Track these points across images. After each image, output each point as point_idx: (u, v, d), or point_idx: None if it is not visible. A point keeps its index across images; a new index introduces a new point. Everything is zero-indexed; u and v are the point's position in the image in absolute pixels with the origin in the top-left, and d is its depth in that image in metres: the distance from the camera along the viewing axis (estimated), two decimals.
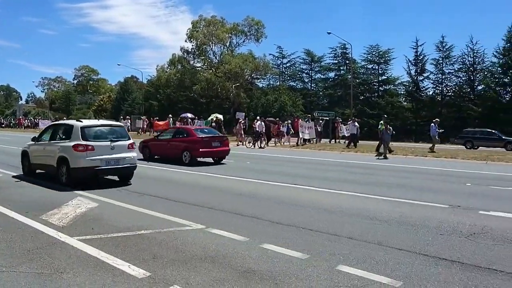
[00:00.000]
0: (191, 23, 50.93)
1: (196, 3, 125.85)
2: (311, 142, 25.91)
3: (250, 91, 53.60)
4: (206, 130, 18.07)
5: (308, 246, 5.16)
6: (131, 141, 10.40)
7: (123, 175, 10.32)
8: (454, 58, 43.54)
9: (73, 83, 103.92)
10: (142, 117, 42.87)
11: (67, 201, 7.82)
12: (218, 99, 52.61)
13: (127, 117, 43.92)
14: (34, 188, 9.71)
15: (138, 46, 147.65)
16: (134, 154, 10.36)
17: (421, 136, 40.44)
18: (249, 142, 25.15)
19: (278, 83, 55.57)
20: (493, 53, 41.36)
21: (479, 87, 42.71)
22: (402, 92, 48.60)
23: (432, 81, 45.70)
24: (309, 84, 55.62)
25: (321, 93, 53.96)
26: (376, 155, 18.57)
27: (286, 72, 57.02)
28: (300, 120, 25.93)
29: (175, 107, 56.11)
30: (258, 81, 57.43)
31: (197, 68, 53.57)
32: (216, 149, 15.41)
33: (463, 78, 43.74)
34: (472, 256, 4.88)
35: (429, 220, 6.54)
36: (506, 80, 39.96)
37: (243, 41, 52.00)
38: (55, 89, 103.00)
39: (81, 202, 7.79)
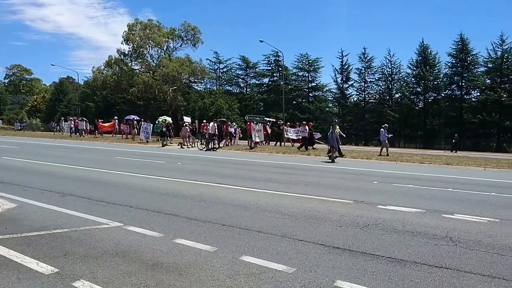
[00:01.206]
0: (127, 26, 50.20)
1: (135, 6, 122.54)
2: (261, 144, 26.67)
3: (187, 94, 53.73)
4: None
5: (218, 240, 5.53)
6: None
7: None
8: (375, 69, 47.66)
9: (4, 82, 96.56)
10: (84, 119, 40.82)
11: None
12: (156, 102, 52.19)
13: (71, 118, 41.12)
14: None
15: (75, 47, 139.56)
16: None
17: (347, 139, 43.24)
18: (201, 144, 24.94)
19: (215, 87, 56.15)
20: (407, 65, 45.99)
21: (396, 95, 47.15)
22: (330, 98, 51.68)
23: (356, 89, 49.42)
24: (245, 89, 56.81)
25: (256, 97, 55.28)
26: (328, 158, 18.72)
27: (222, 77, 57.86)
28: (252, 123, 26.28)
29: (112, 109, 55.08)
30: (196, 84, 57.77)
31: (135, 71, 52.57)
32: None
33: (383, 87, 47.88)
34: (361, 244, 5.56)
35: (333, 214, 7.26)
36: (418, 89, 44.33)
37: (180, 46, 52.36)
38: None
39: None
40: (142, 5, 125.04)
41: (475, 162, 18.28)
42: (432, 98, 44.36)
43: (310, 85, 51.48)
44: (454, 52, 43.44)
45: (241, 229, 6.16)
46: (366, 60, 47.46)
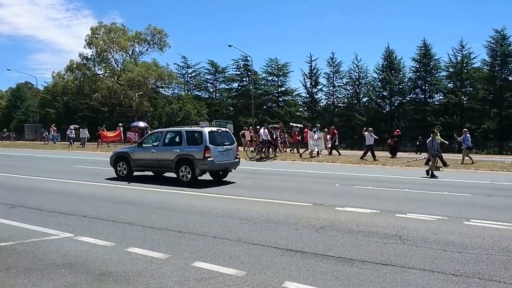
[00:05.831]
0: (90, 29, 48.80)
1: (100, 8, 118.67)
2: (320, 154, 22.96)
3: (154, 99, 52.91)
4: None
5: (172, 247, 5.51)
6: None
7: None
8: (343, 73, 48.59)
9: None
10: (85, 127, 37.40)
11: None
12: (121, 108, 51.06)
13: (71, 126, 37.01)
14: None
15: (34, 50, 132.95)
16: None
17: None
18: (251, 152, 22.24)
19: (183, 92, 55.63)
20: (374, 70, 47.16)
21: (364, 99, 48.18)
22: (300, 103, 52.29)
23: (325, 93, 50.26)
24: (214, 93, 56.61)
25: (225, 102, 55.21)
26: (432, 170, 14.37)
27: (191, 82, 57.42)
28: (309, 131, 22.73)
29: (74, 115, 53.53)
30: (163, 90, 56.92)
31: (99, 76, 51.15)
32: None
33: (351, 91, 48.89)
34: (314, 245, 5.67)
35: (291, 218, 7.35)
36: (385, 93, 45.61)
37: (147, 50, 51.56)
38: None
39: None
40: (109, 8, 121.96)
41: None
42: (398, 101, 45.80)
43: (279, 90, 52.00)
44: (418, 57, 45.00)
45: (197, 235, 6.15)
46: (334, 65, 48.50)
